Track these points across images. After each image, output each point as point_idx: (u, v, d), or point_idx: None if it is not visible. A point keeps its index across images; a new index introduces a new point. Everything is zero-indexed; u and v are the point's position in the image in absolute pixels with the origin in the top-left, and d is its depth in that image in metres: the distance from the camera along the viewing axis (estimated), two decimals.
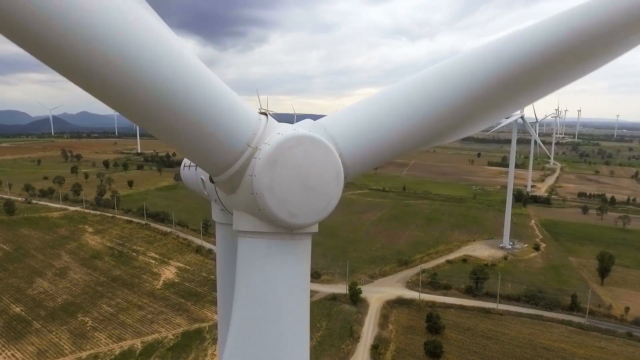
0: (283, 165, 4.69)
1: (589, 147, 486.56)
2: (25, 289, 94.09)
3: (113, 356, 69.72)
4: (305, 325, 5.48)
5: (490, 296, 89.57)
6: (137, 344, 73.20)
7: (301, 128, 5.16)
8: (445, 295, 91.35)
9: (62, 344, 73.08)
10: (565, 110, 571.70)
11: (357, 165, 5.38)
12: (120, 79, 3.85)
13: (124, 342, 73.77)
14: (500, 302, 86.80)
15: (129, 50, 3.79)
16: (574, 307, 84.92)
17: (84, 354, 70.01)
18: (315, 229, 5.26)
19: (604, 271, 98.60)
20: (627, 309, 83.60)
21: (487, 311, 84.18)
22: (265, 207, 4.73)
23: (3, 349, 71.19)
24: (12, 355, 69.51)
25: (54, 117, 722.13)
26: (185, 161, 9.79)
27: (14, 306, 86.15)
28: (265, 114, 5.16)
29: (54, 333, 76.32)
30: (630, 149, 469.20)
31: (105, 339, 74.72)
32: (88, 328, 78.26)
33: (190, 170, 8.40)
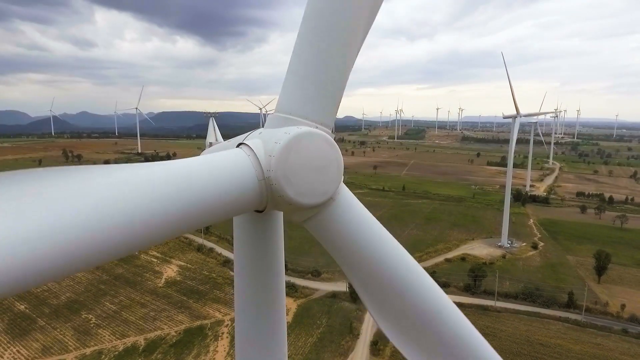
0: (295, 176, 5.58)
1: (588, 147, 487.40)
2: None
3: (117, 352, 70.83)
4: (393, 239, 6.54)
5: (488, 294, 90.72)
6: (140, 340, 74.33)
7: (277, 132, 5.77)
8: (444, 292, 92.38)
9: (67, 340, 74.19)
10: (565, 110, 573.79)
11: (332, 114, 6.18)
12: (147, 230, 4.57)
13: (127, 338, 74.89)
14: (498, 300, 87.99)
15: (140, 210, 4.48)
16: (570, 304, 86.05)
17: (88, 350, 71.13)
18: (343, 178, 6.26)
19: (600, 269, 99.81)
20: (623, 306, 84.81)
21: (485, 308, 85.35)
22: (304, 204, 5.73)
23: (9, 345, 72.32)
24: (18, 351, 70.61)
25: (54, 117, 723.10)
26: (204, 154, 10.93)
27: (18, 304, 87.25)
28: (244, 143, 5.89)
29: (58, 330, 77.44)
30: (630, 149, 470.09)
31: (108, 335, 75.85)
32: (92, 325, 79.36)
33: None
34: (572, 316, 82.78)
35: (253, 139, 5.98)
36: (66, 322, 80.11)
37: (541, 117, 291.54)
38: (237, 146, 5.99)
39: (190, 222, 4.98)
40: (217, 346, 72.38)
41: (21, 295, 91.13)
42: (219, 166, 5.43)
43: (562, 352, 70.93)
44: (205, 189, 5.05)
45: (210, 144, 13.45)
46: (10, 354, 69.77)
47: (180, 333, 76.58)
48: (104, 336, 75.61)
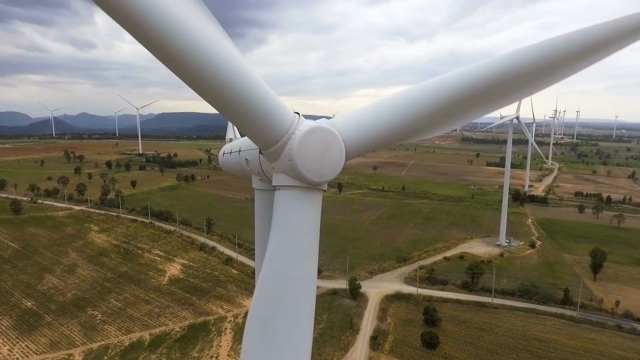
0: (317, 168, 7.27)
1: (588, 147, 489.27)
2: (35, 284, 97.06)
3: (123, 347, 72.63)
4: None
5: (485, 291, 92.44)
6: (146, 335, 76.15)
7: (282, 162, 7.38)
8: (442, 290, 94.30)
9: (74, 336, 76.03)
10: (564, 111, 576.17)
11: (287, 114, 7.39)
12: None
13: (132, 334, 76.72)
14: (495, 297, 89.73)
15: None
16: (566, 301, 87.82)
17: (94, 345, 72.96)
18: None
19: (596, 267, 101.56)
20: (617, 302, 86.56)
21: (482, 305, 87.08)
22: (320, 178, 7.42)
23: (17, 340, 74.14)
24: (27, 346, 72.45)
25: (54, 118, 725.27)
26: (225, 149, 12.82)
27: (25, 301, 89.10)
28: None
29: (65, 326, 79.26)
30: (629, 149, 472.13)
31: (114, 331, 77.67)
32: (98, 321, 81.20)
33: (232, 156, 11.39)
34: (568, 312, 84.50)
35: (279, 176, 7.64)
36: (72, 319, 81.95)
37: (540, 118, 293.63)
38: (274, 188, 7.79)
39: None
40: (221, 341, 74.18)
41: (27, 292, 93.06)
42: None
43: (557, 347, 72.65)
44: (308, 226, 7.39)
45: (231, 140, 15.32)
46: (19, 349, 71.58)
47: (184, 329, 78.40)
48: (110, 332, 77.44)
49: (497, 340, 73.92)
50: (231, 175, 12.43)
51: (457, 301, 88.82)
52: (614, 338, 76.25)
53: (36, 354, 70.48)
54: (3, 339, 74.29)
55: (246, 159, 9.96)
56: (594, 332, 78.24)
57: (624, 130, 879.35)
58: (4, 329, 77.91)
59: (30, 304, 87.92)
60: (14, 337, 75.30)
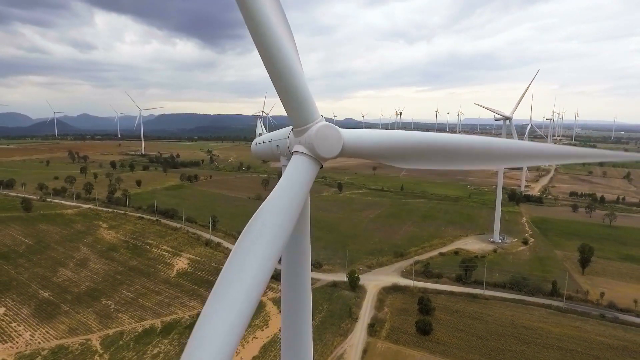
0: (323, 149, 11.54)
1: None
2: (50, 277, 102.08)
3: (137, 333, 77.59)
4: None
5: (478, 283, 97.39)
6: (157, 323, 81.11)
7: (307, 137, 11.09)
8: (436, 282, 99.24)
9: (90, 323, 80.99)
10: (563, 113, 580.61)
11: (315, 112, 11.30)
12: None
13: (145, 321, 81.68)
14: (486, 289, 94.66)
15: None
16: (554, 292, 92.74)
17: (110, 331, 77.93)
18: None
19: (584, 262, 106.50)
20: (602, 294, 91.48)
21: (474, 296, 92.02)
22: (335, 155, 11.78)
23: (38, 326, 79.12)
24: (47, 332, 77.43)
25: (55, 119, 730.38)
26: (257, 140, 17.85)
27: (42, 292, 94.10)
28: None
29: (82, 314, 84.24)
30: (626, 151, 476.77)
31: (128, 319, 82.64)
32: (112, 310, 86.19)
33: (264, 145, 16.39)
34: (555, 303, 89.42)
35: (299, 146, 11.84)
36: (88, 308, 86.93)
37: (539, 119, 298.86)
38: (292, 153, 12.11)
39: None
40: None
41: (44, 284, 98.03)
42: (300, 168, 11.47)
43: (543, 334, 77.61)
44: (305, 180, 11.30)
45: (260, 134, 19.74)
46: (40, 334, 76.56)
47: (193, 317, 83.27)
48: (124, 319, 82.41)
49: (487, 327, 78.88)
50: (262, 159, 17.50)
51: (451, 293, 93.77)
52: (597, 326, 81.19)
53: (56, 338, 75.45)
54: (24, 326, 79.32)
55: (277, 145, 14.97)
56: (578, 320, 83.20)
57: (622, 132, 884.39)
58: (25, 316, 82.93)
59: (47, 294, 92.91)
60: (34, 324, 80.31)
